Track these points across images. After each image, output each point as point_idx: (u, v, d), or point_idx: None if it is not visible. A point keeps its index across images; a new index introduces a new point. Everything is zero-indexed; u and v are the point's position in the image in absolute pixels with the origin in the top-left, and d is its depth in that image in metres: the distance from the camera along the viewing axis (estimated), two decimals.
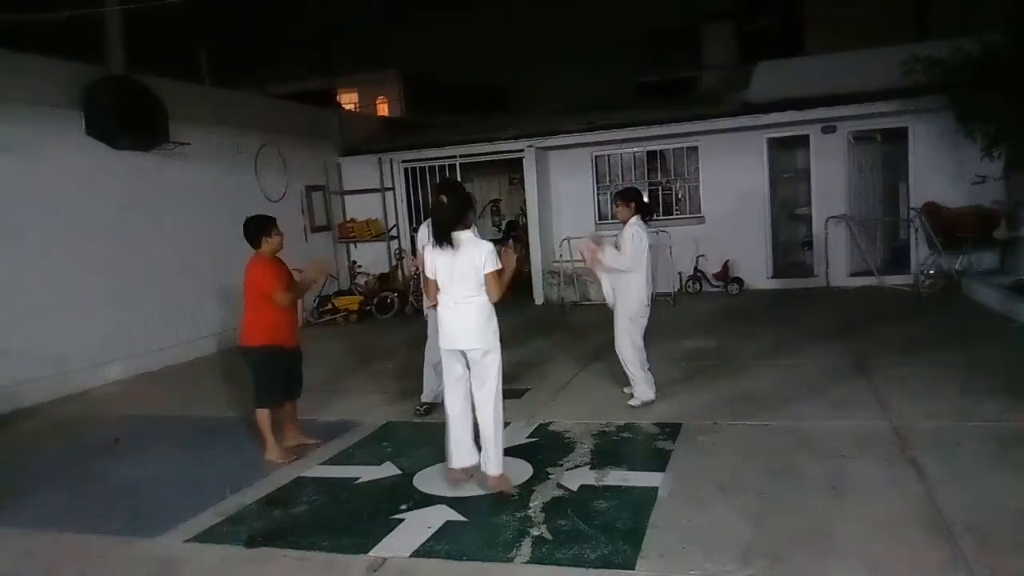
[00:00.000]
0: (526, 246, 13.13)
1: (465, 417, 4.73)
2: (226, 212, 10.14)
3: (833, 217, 11.90)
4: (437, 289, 4.67)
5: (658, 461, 4.92)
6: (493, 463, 4.61)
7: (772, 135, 12.18)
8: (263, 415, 5.56)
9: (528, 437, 5.65)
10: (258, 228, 5.49)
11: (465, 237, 4.56)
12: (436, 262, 4.60)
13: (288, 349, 5.62)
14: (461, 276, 4.53)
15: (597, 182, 13.41)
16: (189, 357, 9.64)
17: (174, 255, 9.71)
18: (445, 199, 4.62)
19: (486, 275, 4.52)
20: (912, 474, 4.45)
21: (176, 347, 9.54)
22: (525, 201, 13.33)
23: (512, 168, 14.46)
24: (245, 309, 5.53)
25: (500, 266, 4.55)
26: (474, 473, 4.75)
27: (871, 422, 5.43)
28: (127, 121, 8.79)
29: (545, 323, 10.58)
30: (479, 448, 4.70)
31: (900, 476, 4.44)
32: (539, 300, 12.67)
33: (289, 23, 14.31)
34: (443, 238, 4.53)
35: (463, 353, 4.61)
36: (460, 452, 4.74)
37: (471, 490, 4.69)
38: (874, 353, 7.42)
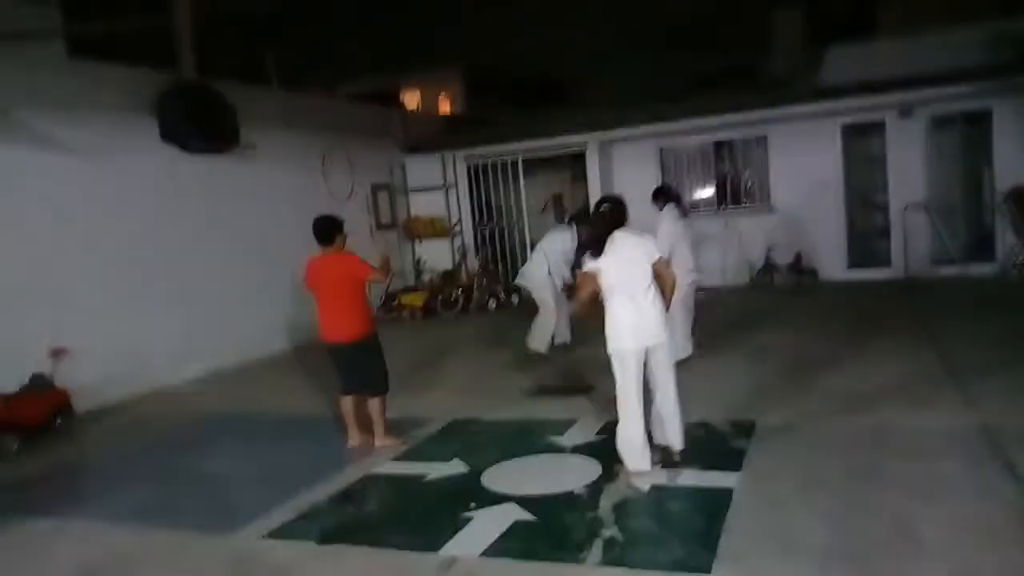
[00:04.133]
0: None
1: (643, 416, 4.74)
2: (294, 212, 10.33)
3: (911, 204, 11.42)
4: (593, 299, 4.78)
5: (733, 460, 4.78)
6: (681, 438, 4.78)
7: (846, 121, 11.75)
8: (384, 402, 5.75)
9: (597, 434, 5.57)
10: (333, 225, 5.63)
11: (619, 235, 4.69)
12: (602, 267, 4.67)
13: None
14: (629, 273, 4.63)
15: (663, 174, 13.17)
16: (262, 354, 9.87)
17: (246, 255, 9.95)
18: (603, 211, 4.81)
19: (655, 265, 4.67)
20: (1004, 476, 4.20)
21: (250, 344, 9.77)
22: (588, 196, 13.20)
23: (575, 162, 14.33)
24: (339, 304, 5.55)
25: (664, 253, 4.91)
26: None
27: (958, 420, 5.17)
28: (199, 125, 9.02)
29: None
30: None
31: (991, 478, 4.20)
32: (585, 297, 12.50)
33: (353, 25, 14.46)
34: (598, 249, 4.67)
35: (643, 350, 4.65)
36: (640, 454, 4.71)
37: (540, 489, 4.65)
38: (958, 347, 7.08)
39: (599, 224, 4.79)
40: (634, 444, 4.69)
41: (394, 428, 5.91)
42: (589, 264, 4.73)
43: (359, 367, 5.66)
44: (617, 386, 4.72)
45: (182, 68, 8.83)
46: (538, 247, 8.66)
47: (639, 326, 4.60)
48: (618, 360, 4.68)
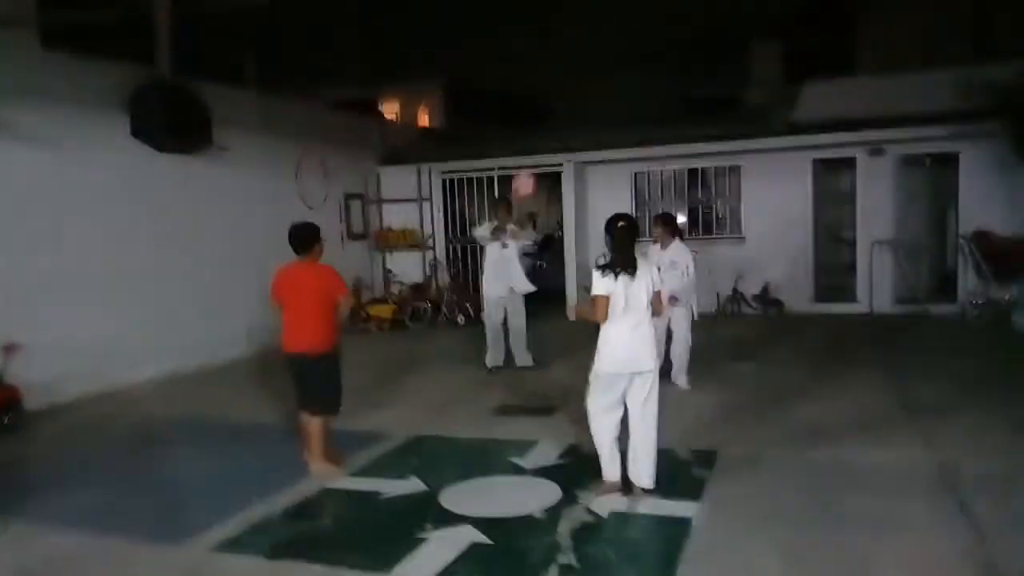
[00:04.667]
0: (561, 260, 13.03)
1: (617, 439, 4.76)
2: (266, 217, 10.23)
3: (879, 242, 11.61)
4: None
5: (693, 490, 4.76)
6: (650, 476, 4.70)
7: (818, 156, 11.94)
8: (325, 424, 5.45)
9: (558, 458, 5.52)
10: (313, 234, 5.41)
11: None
12: (616, 289, 4.55)
13: None
14: (637, 300, 4.58)
15: (635, 198, 13.28)
16: (223, 359, 9.68)
17: (212, 257, 9.79)
18: (625, 227, 4.66)
19: (653, 295, 4.67)
20: (961, 517, 4.23)
21: (210, 348, 9.58)
22: (562, 215, 13.23)
23: (550, 182, 14.38)
24: (307, 316, 5.31)
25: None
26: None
27: (916, 459, 5.21)
28: (172, 124, 8.88)
29: (577, 340, 10.43)
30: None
31: (947, 519, 4.23)
32: (572, 316, 12.51)
33: (334, 33, 14.39)
34: (631, 266, 4.58)
35: (632, 376, 4.61)
36: (615, 465, 4.77)
37: (498, 511, 4.58)
38: (919, 385, 7.17)
39: (628, 242, 4.62)
40: (602, 452, 4.74)
41: (337, 451, 5.59)
42: (604, 286, 4.55)
43: (315, 382, 5.40)
44: (593, 405, 4.71)
45: (158, 65, 8.70)
46: (510, 254, 8.52)
47: (636, 352, 4.56)
48: (605, 382, 4.62)
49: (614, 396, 4.64)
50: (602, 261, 4.63)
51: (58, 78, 8.00)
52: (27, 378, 7.12)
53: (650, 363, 4.62)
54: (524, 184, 6.42)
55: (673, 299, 6.74)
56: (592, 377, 4.69)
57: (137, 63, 8.82)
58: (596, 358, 4.65)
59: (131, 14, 7.21)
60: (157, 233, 9.07)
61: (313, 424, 5.42)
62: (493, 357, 8.56)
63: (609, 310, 4.53)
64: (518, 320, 8.53)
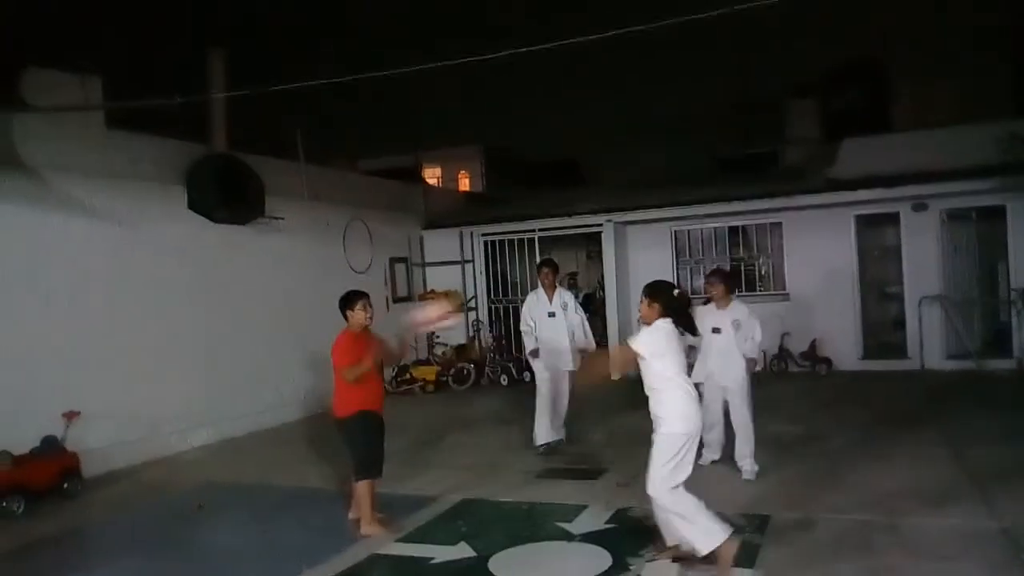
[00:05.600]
0: (603, 319, 13.05)
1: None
2: (314, 283, 10.52)
3: (927, 297, 11.43)
4: None
5: (746, 556, 4.65)
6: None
7: (860, 212, 11.89)
8: (363, 487, 5.52)
9: (606, 523, 5.47)
10: (343, 302, 5.66)
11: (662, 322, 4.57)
12: (674, 347, 4.49)
13: (377, 411, 5.64)
14: (680, 360, 4.53)
15: (677, 256, 13.32)
16: (274, 424, 9.84)
17: (263, 324, 10.04)
18: (682, 293, 4.71)
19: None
20: None
21: (261, 414, 9.76)
22: (603, 275, 13.31)
23: (589, 241, 14.51)
24: (335, 382, 5.60)
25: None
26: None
27: (976, 521, 5.06)
28: (226, 196, 9.27)
29: (622, 399, 10.39)
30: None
31: None
32: (615, 375, 12.46)
33: (378, 107, 14.97)
34: (692, 329, 4.62)
35: (695, 437, 4.49)
36: (718, 522, 4.39)
37: None
38: (976, 443, 6.98)
39: (687, 306, 4.65)
40: (698, 522, 4.34)
41: (386, 514, 5.71)
42: (650, 346, 4.46)
43: (345, 445, 5.66)
44: (667, 478, 4.35)
45: (213, 141, 9.13)
46: (558, 324, 7.72)
47: (696, 410, 4.46)
48: (678, 446, 4.35)
49: (688, 463, 4.39)
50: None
51: (120, 155, 8.44)
52: (85, 445, 7.34)
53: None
54: (428, 314, 5.87)
55: (752, 363, 6.48)
56: (658, 449, 4.39)
57: (194, 139, 9.27)
58: (662, 423, 4.40)
59: (190, 99, 7.63)
60: (210, 301, 9.36)
61: (356, 487, 5.55)
62: (547, 434, 7.67)
63: (662, 370, 4.41)
64: (561, 397, 7.74)
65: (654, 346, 4.43)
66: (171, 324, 8.82)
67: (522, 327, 7.89)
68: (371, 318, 5.68)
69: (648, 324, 4.53)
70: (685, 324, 4.54)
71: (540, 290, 7.90)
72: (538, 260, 13.00)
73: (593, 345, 7.98)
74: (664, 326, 4.48)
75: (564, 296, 7.92)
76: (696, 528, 4.30)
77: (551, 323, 7.72)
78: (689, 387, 4.45)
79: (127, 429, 8.03)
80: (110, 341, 8.11)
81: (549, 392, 7.63)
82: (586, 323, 7.96)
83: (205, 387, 9.13)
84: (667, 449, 4.34)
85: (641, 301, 4.63)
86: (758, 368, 6.92)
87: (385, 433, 5.81)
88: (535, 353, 7.72)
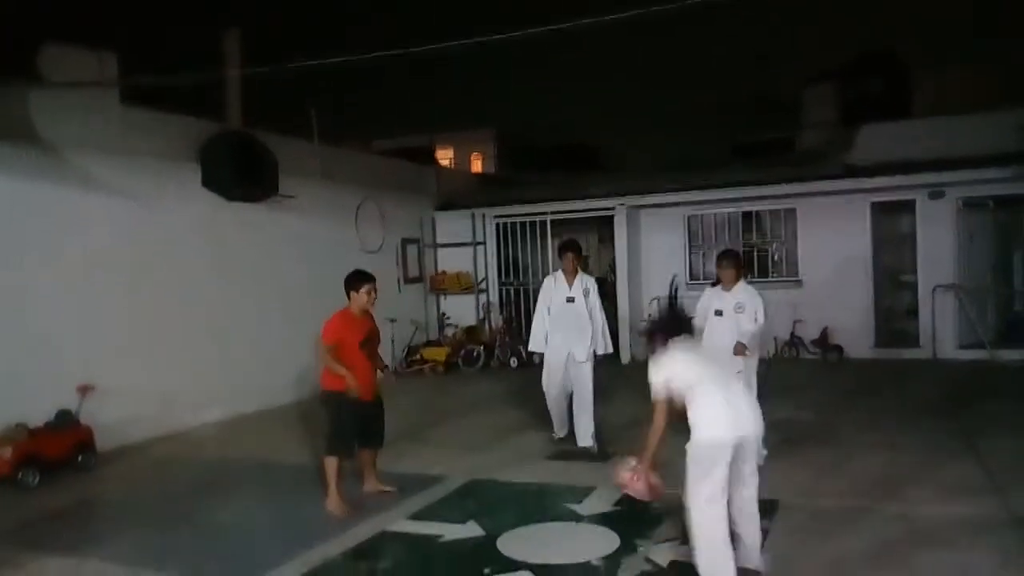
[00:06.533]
0: (614, 303, 13.03)
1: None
2: (326, 262, 10.51)
3: (941, 286, 11.34)
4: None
5: None
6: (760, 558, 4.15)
7: (876, 199, 11.79)
8: (330, 462, 5.62)
9: (614, 505, 5.48)
10: (348, 282, 5.74)
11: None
12: (689, 359, 4.14)
13: (364, 401, 5.64)
14: (707, 364, 4.24)
15: (689, 241, 13.26)
16: (285, 401, 9.89)
17: (276, 302, 10.08)
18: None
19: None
20: None
21: (274, 391, 9.81)
22: (614, 259, 13.28)
23: (602, 225, 14.47)
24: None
25: None
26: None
27: (987, 509, 5.05)
28: (241, 174, 9.28)
29: (633, 383, 10.38)
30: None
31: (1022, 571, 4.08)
32: (625, 359, 12.48)
33: (393, 87, 14.94)
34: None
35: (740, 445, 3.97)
36: (732, 566, 3.92)
37: (556, 558, 4.58)
38: (987, 432, 6.94)
39: (674, 318, 4.52)
40: (716, 557, 3.91)
41: (395, 489, 5.92)
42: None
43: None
44: (697, 495, 3.93)
45: (228, 118, 9.13)
46: (578, 308, 7.14)
47: (729, 419, 3.96)
48: (710, 454, 3.91)
49: (720, 475, 3.89)
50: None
51: (135, 132, 8.45)
52: (99, 419, 7.39)
53: (758, 424, 4.12)
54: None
55: (740, 347, 6.05)
56: (688, 459, 3.99)
57: (208, 116, 9.27)
58: (692, 431, 4.00)
59: (205, 76, 7.63)
60: (223, 279, 9.40)
61: (323, 460, 5.72)
62: (559, 426, 7.38)
63: (682, 384, 4.03)
64: (583, 391, 7.15)
65: (665, 372, 4.07)
66: (185, 301, 8.86)
67: (535, 318, 7.42)
68: (374, 303, 5.73)
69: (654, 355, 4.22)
70: (678, 328, 4.24)
71: (559, 274, 7.31)
72: (552, 242, 12.98)
73: (610, 347, 7.45)
74: (669, 351, 4.15)
75: (586, 282, 7.26)
76: (702, 558, 3.94)
77: (569, 308, 7.15)
78: (722, 394, 4.01)
79: (141, 404, 8.09)
80: (125, 316, 8.17)
81: (557, 386, 7.18)
82: (605, 322, 7.32)
83: (218, 364, 9.19)
84: (692, 458, 3.97)
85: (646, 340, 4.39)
86: (761, 354, 6.62)
87: (386, 412, 5.92)
88: (535, 354, 7.27)
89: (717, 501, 3.88)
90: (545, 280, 7.56)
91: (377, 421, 5.90)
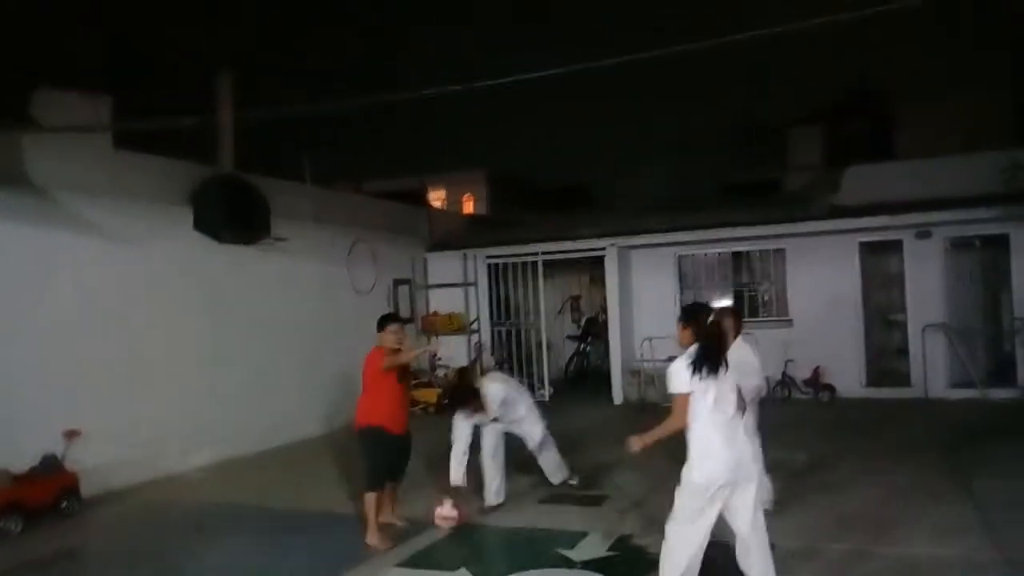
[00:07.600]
0: (606, 344, 13.03)
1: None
2: (318, 304, 10.53)
3: (931, 325, 11.40)
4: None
5: None
6: None
7: (864, 239, 11.91)
8: (371, 498, 5.77)
9: (608, 551, 5.42)
10: (378, 323, 6.05)
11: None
12: (697, 389, 3.98)
13: (397, 434, 5.92)
14: (724, 396, 4.03)
15: (680, 281, 13.32)
16: (274, 444, 9.78)
17: (268, 344, 10.02)
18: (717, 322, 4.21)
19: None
20: None
21: (266, 433, 9.70)
22: (605, 299, 13.32)
23: (593, 265, 14.54)
24: (362, 394, 6.00)
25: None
26: None
27: (981, 552, 5.02)
28: (232, 217, 9.31)
29: (625, 424, 10.34)
30: None
31: None
32: (618, 400, 12.44)
33: (384, 132, 15.11)
34: (719, 362, 4.04)
35: (732, 487, 3.94)
36: None
37: None
38: (980, 473, 6.92)
39: (716, 339, 4.14)
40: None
41: (389, 534, 5.89)
42: (685, 382, 4.02)
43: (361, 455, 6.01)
44: (675, 529, 4.00)
45: (220, 162, 9.19)
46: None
47: (733, 458, 3.93)
48: (698, 496, 3.92)
49: (705, 520, 3.91)
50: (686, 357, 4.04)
51: (128, 175, 8.49)
52: (85, 463, 7.28)
53: (753, 470, 4.05)
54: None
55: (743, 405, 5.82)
56: (677, 492, 4.01)
57: (201, 160, 9.33)
58: (686, 468, 4.00)
59: (199, 122, 7.72)
60: (214, 321, 9.36)
61: (364, 497, 5.84)
62: (495, 492, 6.69)
63: (693, 403, 3.98)
64: (532, 434, 6.94)
65: (683, 376, 4.00)
66: (175, 344, 8.81)
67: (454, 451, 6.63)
68: (399, 342, 5.98)
69: (683, 347, 4.13)
70: (708, 357, 4.00)
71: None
72: (541, 283, 12.98)
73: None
74: (693, 352, 4.05)
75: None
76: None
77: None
78: (722, 433, 3.94)
79: (128, 448, 7.98)
80: (113, 359, 8.10)
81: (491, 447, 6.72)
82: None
83: (208, 407, 9.09)
84: (680, 494, 3.98)
85: (677, 323, 4.29)
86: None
87: (408, 453, 6.21)
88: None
89: (690, 544, 3.94)
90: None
91: (405, 455, 6.15)
